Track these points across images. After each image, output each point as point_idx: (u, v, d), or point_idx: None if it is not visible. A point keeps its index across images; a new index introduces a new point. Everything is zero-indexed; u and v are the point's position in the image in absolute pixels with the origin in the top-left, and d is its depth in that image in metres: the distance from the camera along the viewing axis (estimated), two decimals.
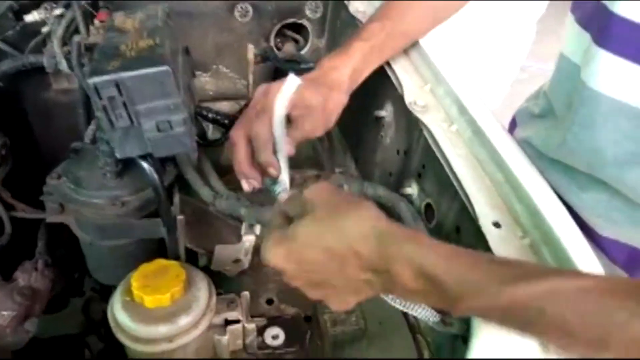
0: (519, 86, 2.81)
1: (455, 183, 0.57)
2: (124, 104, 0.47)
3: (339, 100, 0.64)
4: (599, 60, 0.56)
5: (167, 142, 0.50)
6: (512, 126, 0.80)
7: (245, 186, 0.61)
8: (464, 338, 0.54)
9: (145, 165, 0.54)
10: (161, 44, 0.50)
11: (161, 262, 0.57)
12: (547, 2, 2.13)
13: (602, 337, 0.35)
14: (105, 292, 0.76)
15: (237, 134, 0.59)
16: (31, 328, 0.67)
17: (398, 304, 0.48)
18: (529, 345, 0.44)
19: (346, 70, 0.65)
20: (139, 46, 0.50)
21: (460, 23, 0.84)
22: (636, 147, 0.57)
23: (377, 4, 0.86)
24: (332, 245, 0.42)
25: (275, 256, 0.45)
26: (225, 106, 1.03)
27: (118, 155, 0.51)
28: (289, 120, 0.61)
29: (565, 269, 0.46)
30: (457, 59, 0.75)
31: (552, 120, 0.70)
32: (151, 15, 0.56)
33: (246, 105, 0.68)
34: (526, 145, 0.70)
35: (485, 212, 0.52)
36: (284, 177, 0.58)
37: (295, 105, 0.60)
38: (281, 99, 0.57)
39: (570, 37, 0.64)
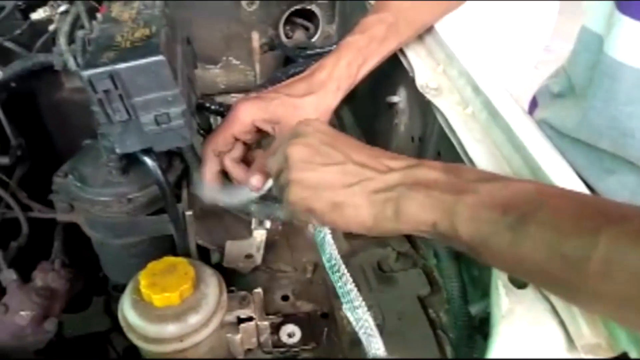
0: (545, 68, 2.72)
1: None
2: (120, 97, 0.45)
3: (320, 104, 0.61)
4: (622, 29, 0.53)
5: (167, 135, 0.49)
6: (533, 106, 0.76)
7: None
8: (485, 335, 0.51)
9: (148, 160, 0.52)
10: (157, 34, 0.48)
11: (169, 259, 0.56)
12: None
13: (595, 230, 0.33)
14: None
15: (207, 149, 0.61)
16: (50, 328, 0.67)
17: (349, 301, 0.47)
18: (554, 341, 0.41)
19: (335, 67, 0.62)
20: (134, 36, 0.48)
21: (479, 2, 0.80)
22: None
23: None
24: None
25: (318, 122, 0.48)
26: (236, 99, 1.02)
27: (118, 151, 0.50)
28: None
29: None
30: (477, 41, 0.72)
31: (571, 98, 0.66)
32: (148, 5, 0.54)
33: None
34: (545, 127, 0.66)
35: None
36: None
37: (267, 121, 0.59)
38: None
39: (591, 6, 0.60)
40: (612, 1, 0.55)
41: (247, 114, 0.59)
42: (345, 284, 0.47)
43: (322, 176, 0.44)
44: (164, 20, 0.51)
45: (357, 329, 0.45)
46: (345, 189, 0.43)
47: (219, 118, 0.76)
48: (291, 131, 0.49)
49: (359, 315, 0.45)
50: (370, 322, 0.45)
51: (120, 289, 0.79)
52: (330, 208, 0.44)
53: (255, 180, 0.58)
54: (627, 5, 0.53)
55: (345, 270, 0.48)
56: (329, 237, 0.49)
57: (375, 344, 0.44)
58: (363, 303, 0.46)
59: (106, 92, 0.45)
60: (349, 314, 0.46)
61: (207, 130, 0.65)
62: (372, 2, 0.80)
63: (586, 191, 0.49)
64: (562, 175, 0.49)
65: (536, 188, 0.39)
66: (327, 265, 0.49)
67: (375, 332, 0.45)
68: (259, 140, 0.65)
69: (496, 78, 0.61)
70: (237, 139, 0.62)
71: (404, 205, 0.41)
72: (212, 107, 0.63)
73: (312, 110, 0.60)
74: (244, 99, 0.61)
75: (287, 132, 0.49)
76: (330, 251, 0.49)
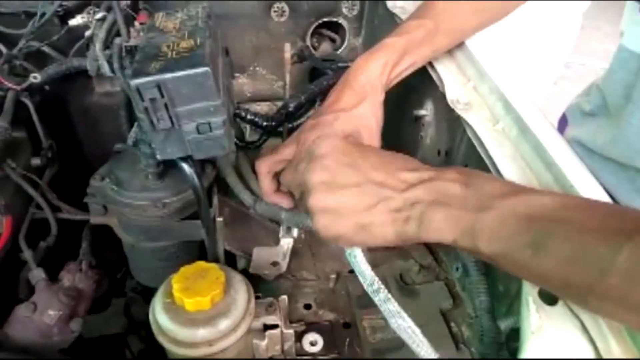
0: (565, 83, 2.72)
1: None
2: (165, 106, 0.47)
3: (373, 108, 0.61)
4: None
5: (207, 144, 0.50)
6: (563, 124, 0.76)
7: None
8: (511, 350, 0.52)
9: (185, 167, 0.54)
10: (201, 45, 0.50)
11: (201, 264, 0.57)
12: None
13: (620, 233, 0.34)
14: (145, 294, 0.77)
15: (262, 170, 0.61)
16: (76, 328, 0.69)
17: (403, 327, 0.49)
18: (583, 358, 0.41)
19: (375, 67, 0.62)
20: (179, 47, 0.50)
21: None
22: None
23: None
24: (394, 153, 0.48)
25: (335, 138, 0.49)
26: (262, 107, 1.04)
27: (159, 157, 0.51)
28: None
29: None
30: (500, 54, 0.72)
31: (604, 117, 0.66)
32: (192, 16, 0.56)
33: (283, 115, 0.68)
34: (576, 145, 0.67)
35: None
36: None
37: None
38: None
39: (633, 27, 0.61)
40: None
41: None
42: (390, 306, 0.49)
43: (343, 200, 0.45)
44: (208, 32, 0.53)
45: (409, 344, 0.48)
46: (367, 210, 0.44)
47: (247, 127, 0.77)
48: (307, 150, 0.49)
49: (408, 333, 0.48)
50: (418, 333, 0.49)
51: (139, 291, 0.81)
52: (356, 231, 0.45)
53: (285, 203, 0.60)
54: None
55: (386, 290, 0.49)
56: (361, 257, 0.50)
57: (426, 350, 0.47)
58: (410, 320, 0.49)
59: (152, 100, 0.46)
60: (400, 333, 0.48)
61: (240, 139, 0.66)
62: (402, 17, 0.81)
63: None
64: (593, 193, 0.49)
65: (558, 202, 0.39)
66: (368, 288, 0.50)
67: (425, 341, 0.48)
68: None
69: (527, 95, 0.62)
70: None
71: (425, 223, 0.42)
72: (248, 116, 0.65)
73: (368, 115, 0.60)
74: (309, 130, 0.58)
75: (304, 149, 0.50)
76: (367, 273, 0.50)
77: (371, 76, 0.62)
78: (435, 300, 0.71)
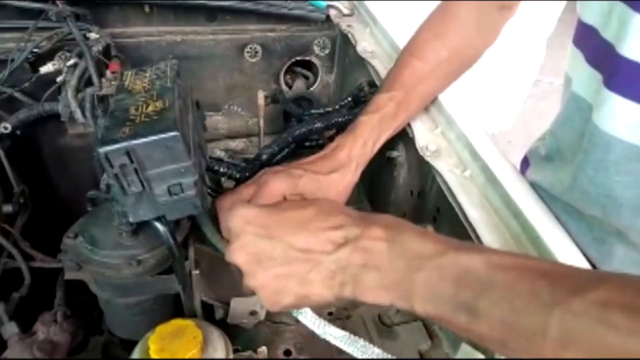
0: (533, 101, 2.80)
1: (471, 234, 0.55)
2: (135, 171, 0.47)
3: (342, 182, 0.64)
4: (611, 103, 0.55)
5: (179, 205, 0.50)
6: (525, 166, 0.78)
7: None
8: None
9: (159, 226, 0.53)
10: (170, 107, 0.50)
11: (178, 323, 0.56)
12: (556, 20, 2.14)
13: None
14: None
15: (221, 206, 0.62)
16: None
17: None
18: None
19: (353, 147, 0.65)
20: (148, 109, 0.50)
21: None
22: None
23: (385, 44, 0.86)
24: (314, 207, 0.46)
25: (245, 210, 0.47)
26: (238, 144, 1.04)
27: (132, 220, 0.51)
28: None
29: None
30: (467, 86, 0.75)
31: (559, 161, 0.68)
32: (161, 74, 0.56)
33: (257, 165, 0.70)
34: (539, 189, 0.68)
35: None
36: None
37: (295, 195, 0.61)
38: None
39: (579, 74, 0.63)
40: (601, 75, 0.57)
41: (279, 190, 0.60)
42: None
43: (276, 276, 0.45)
44: (176, 91, 0.53)
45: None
46: (302, 280, 0.44)
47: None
48: (225, 228, 0.50)
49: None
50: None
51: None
52: (298, 299, 0.45)
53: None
54: (613, 81, 0.55)
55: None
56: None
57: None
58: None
59: (122, 166, 0.46)
60: None
61: (215, 190, 0.66)
62: (370, 61, 0.83)
63: (583, 259, 0.51)
64: (560, 244, 0.51)
65: (487, 262, 0.38)
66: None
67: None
68: None
69: (491, 142, 0.64)
70: None
71: (360, 288, 0.43)
72: (221, 169, 0.65)
73: (335, 186, 0.63)
74: (274, 174, 0.61)
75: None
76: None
77: (349, 155, 0.65)
78: (413, 342, 0.71)
